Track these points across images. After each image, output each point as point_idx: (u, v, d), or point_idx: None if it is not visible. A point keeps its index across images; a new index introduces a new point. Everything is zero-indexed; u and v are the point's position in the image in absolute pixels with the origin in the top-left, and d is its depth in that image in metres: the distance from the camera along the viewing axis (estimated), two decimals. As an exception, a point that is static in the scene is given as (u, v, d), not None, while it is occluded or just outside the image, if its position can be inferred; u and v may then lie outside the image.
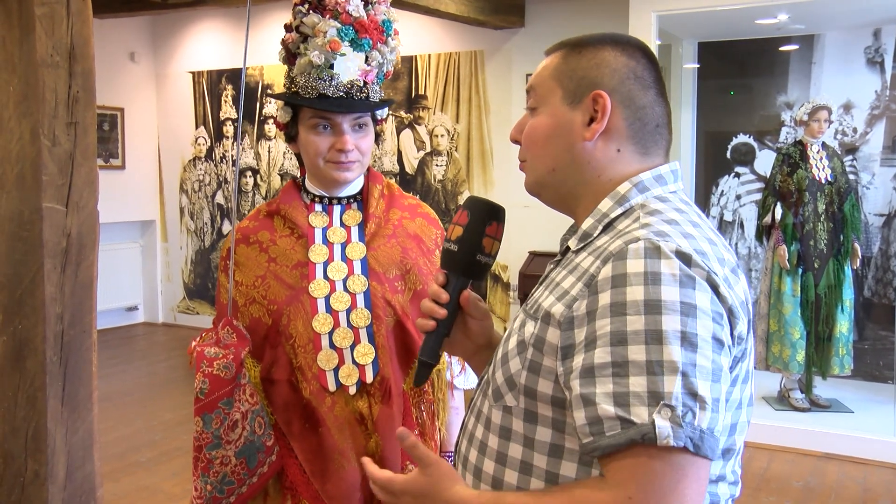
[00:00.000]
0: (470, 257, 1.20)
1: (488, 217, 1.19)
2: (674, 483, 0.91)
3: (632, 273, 0.96)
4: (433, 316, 1.23)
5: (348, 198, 1.75)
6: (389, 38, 1.69)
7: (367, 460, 1.20)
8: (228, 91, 7.29)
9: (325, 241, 1.71)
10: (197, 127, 7.51)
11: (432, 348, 1.23)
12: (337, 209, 1.74)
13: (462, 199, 6.23)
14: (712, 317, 0.95)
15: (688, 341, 0.92)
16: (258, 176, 7.19)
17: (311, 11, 1.65)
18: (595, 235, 1.09)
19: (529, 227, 5.54)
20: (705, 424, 0.91)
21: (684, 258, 0.96)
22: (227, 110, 7.32)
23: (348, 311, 1.66)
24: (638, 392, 0.92)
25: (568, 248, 1.14)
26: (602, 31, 1.17)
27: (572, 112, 1.11)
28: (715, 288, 0.96)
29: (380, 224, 1.75)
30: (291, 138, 1.73)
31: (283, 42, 1.69)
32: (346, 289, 1.67)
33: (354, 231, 1.73)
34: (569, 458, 1.02)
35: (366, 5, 1.67)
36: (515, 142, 1.20)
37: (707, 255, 0.99)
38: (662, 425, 0.90)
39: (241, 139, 7.28)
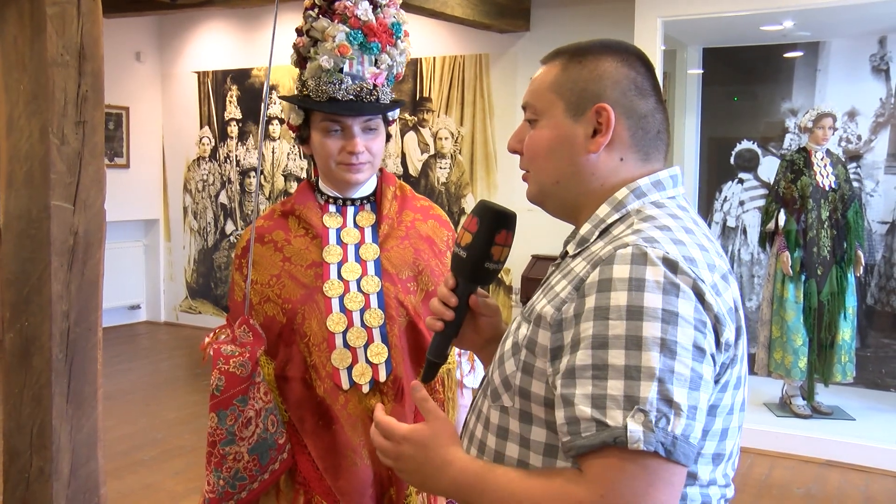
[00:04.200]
0: (478, 264, 1.21)
1: (498, 225, 1.20)
2: (645, 486, 0.93)
3: (617, 278, 0.97)
4: (442, 318, 1.25)
5: (362, 199, 1.77)
6: (399, 41, 1.71)
7: (379, 406, 1.22)
8: (233, 91, 7.30)
9: (339, 241, 1.73)
10: (201, 127, 7.52)
11: (440, 348, 1.27)
12: (350, 210, 1.77)
13: (465, 203, 6.24)
14: (694, 325, 0.96)
15: (667, 348, 0.94)
16: (262, 176, 7.20)
17: (320, 16, 1.67)
18: (592, 241, 1.10)
19: (532, 230, 5.53)
20: (679, 431, 0.93)
21: (671, 265, 0.97)
22: (232, 110, 7.33)
23: (362, 311, 1.69)
24: (614, 395, 0.94)
25: (567, 252, 1.15)
26: (605, 38, 1.17)
27: (575, 125, 1.12)
28: (700, 296, 0.97)
29: (393, 225, 1.77)
30: (304, 140, 1.75)
31: (295, 46, 1.71)
32: (359, 289, 1.70)
33: (368, 232, 1.75)
34: (563, 458, 1.04)
35: (374, 8, 1.68)
36: (514, 152, 1.21)
37: (696, 261, 1.00)
38: (634, 429, 0.92)
39: (245, 140, 7.29)
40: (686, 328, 0.95)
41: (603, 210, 1.11)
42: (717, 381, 1.02)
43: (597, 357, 0.96)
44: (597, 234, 1.10)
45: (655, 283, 0.96)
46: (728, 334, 1.01)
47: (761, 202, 5.33)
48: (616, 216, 1.10)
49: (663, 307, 0.95)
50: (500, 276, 6.09)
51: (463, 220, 1.23)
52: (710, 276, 1.01)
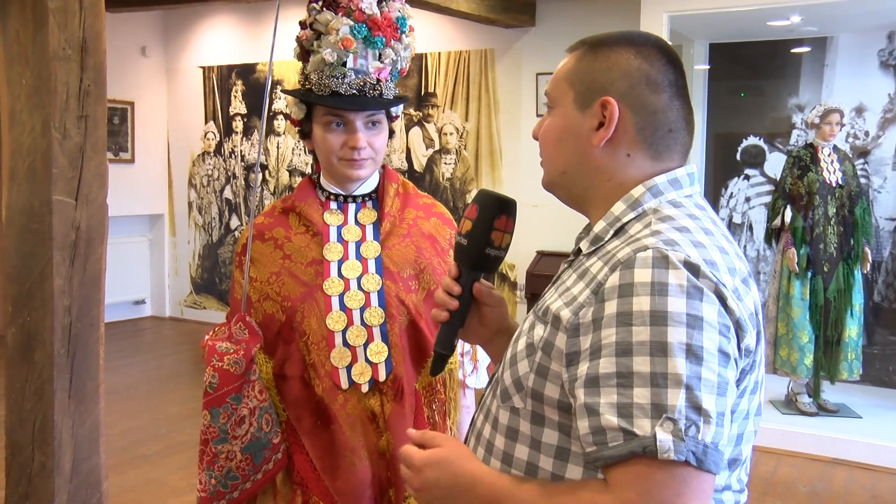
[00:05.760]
0: (479, 251, 1.21)
1: (497, 211, 1.20)
2: (675, 494, 0.90)
3: (639, 283, 0.95)
4: (447, 307, 1.24)
5: (363, 196, 1.75)
6: (404, 35, 1.69)
7: (411, 431, 1.19)
8: (238, 86, 7.29)
9: (340, 239, 1.71)
10: (206, 122, 7.52)
11: (446, 339, 1.26)
12: (352, 207, 1.74)
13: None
14: (719, 329, 0.94)
15: (693, 354, 0.91)
16: (267, 172, 7.19)
17: (324, 9, 1.65)
18: (606, 239, 1.08)
19: (538, 226, 5.53)
20: (709, 439, 0.91)
21: (692, 269, 0.95)
22: (237, 105, 7.33)
23: (362, 310, 1.67)
24: (641, 404, 0.91)
25: (580, 250, 1.13)
26: (616, 31, 1.14)
27: (582, 116, 1.10)
28: (723, 300, 0.95)
29: (394, 223, 1.75)
30: (305, 135, 1.73)
31: (298, 39, 1.69)
32: (360, 287, 1.68)
33: (369, 230, 1.73)
34: (574, 462, 1.02)
35: (379, 3, 1.66)
36: (536, 139, 1.20)
37: (717, 265, 0.97)
38: (664, 438, 0.89)
39: (250, 135, 7.29)
40: (711, 333, 0.93)
41: (618, 208, 1.08)
42: (736, 387, 0.99)
43: (621, 364, 0.93)
44: (612, 232, 1.08)
45: (679, 286, 0.93)
46: (749, 340, 0.98)
47: (767, 198, 5.30)
48: (632, 214, 1.07)
49: (688, 312, 0.92)
50: (504, 272, 6.08)
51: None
52: (731, 280, 0.98)
